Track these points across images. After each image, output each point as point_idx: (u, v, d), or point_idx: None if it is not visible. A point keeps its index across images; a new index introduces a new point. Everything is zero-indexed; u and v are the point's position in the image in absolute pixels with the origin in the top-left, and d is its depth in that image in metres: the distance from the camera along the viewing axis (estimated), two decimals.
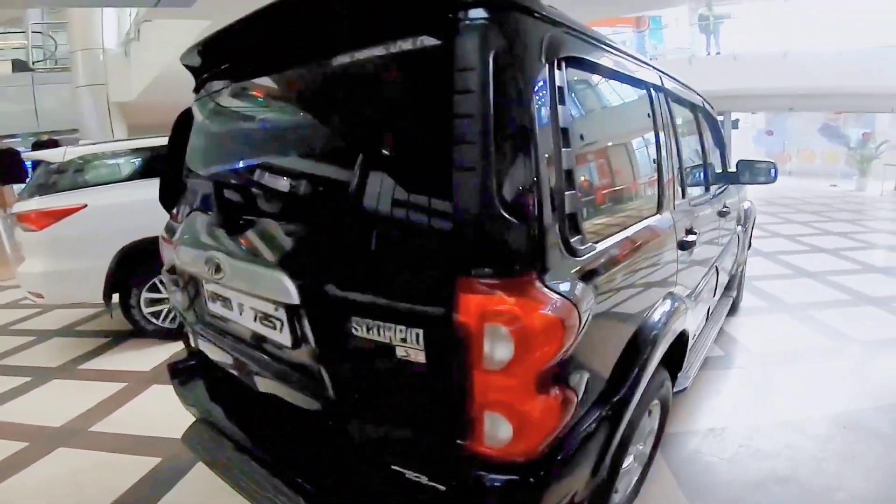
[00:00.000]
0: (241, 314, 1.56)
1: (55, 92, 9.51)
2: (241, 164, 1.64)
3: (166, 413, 2.97)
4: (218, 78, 1.76)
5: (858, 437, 2.47)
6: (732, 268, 3.47)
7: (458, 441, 1.12)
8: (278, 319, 1.40)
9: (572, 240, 1.16)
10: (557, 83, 1.17)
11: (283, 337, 1.40)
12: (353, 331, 1.17)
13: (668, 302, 1.74)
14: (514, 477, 1.12)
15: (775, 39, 13.33)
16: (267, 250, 1.43)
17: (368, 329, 1.15)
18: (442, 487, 1.17)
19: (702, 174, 2.60)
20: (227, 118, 1.82)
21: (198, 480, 2.37)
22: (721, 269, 2.90)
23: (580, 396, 1.20)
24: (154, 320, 4.17)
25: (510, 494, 1.13)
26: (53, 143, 9.06)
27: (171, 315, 4.20)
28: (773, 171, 3.00)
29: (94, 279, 3.92)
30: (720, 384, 3.07)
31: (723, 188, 2.98)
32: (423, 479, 1.19)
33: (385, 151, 1.19)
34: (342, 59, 1.25)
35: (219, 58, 1.71)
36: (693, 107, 2.64)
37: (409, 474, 1.21)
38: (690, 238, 1.96)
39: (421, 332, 1.08)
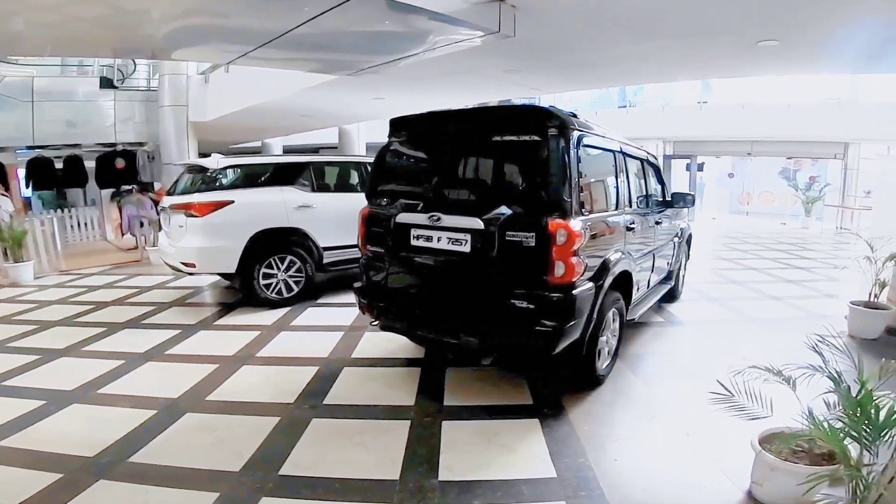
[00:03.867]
0: (437, 241, 3.42)
1: (130, 108, 11.36)
2: (445, 179, 3.57)
3: (302, 346, 4.79)
4: (420, 134, 3.74)
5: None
6: (670, 263, 5.42)
7: (545, 277, 3.04)
8: (464, 240, 3.29)
9: (581, 210, 3.16)
10: (580, 152, 3.18)
11: (465, 248, 3.29)
12: (506, 237, 3.11)
13: (619, 253, 3.69)
14: (565, 291, 3.06)
15: (735, 91, 15.79)
16: (464, 210, 3.31)
17: (514, 235, 3.09)
18: (532, 306, 3.07)
19: (643, 197, 4.56)
20: (430, 155, 3.74)
21: (348, 376, 4.01)
22: (658, 256, 4.84)
23: (585, 266, 3.17)
24: (265, 291, 5.90)
25: (564, 297, 3.04)
26: (126, 152, 10.85)
27: (276, 287, 5.94)
28: (693, 199, 4.99)
29: (232, 256, 5.69)
30: (664, 334, 5.03)
31: (662, 209, 4.93)
32: (524, 304, 3.09)
33: (519, 177, 3.21)
34: (497, 139, 3.26)
35: (423, 124, 3.70)
36: (640, 159, 4.64)
37: (518, 303, 3.10)
38: (631, 226, 3.93)
39: (535, 234, 3.04)
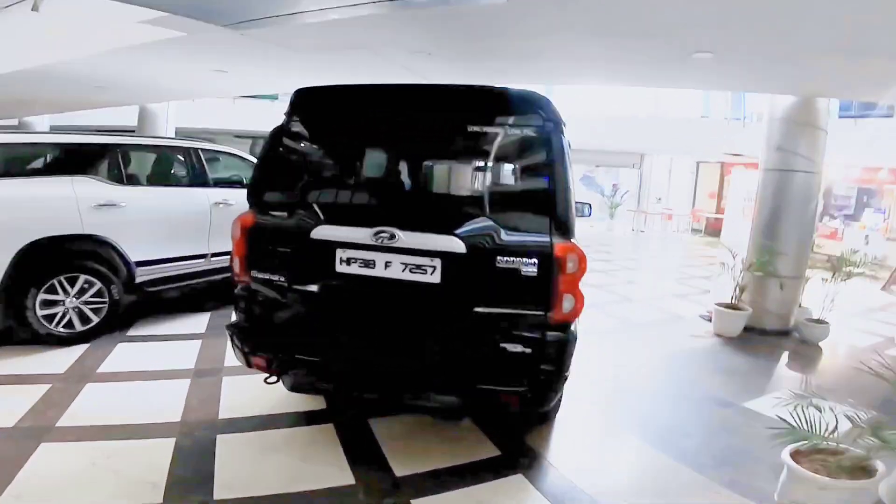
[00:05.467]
0: (385, 269, 2.57)
1: None
2: (394, 180, 2.79)
3: (132, 404, 3.39)
4: (349, 113, 2.84)
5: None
6: None
7: (549, 313, 2.48)
8: (431, 267, 2.52)
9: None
10: (570, 154, 2.68)
11: (433, 278, 2.52)
12: (497, 264, 2.44)
13: None
14: (566, 329, 2.56)
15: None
16: (431, 225, 2.56)
17: (508, 261, 2.44)
18: (529, 349, 2.49)
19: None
20: (366, 144, 2.91)
21: (231, 449, 2.90)
22: None
23: None
24: (47, 324, 4.21)
25: (566, 336, 2.55)
26: None
27: (65, 318, 4.30)
28: (591, 208, 5.00)
29: None
30: None
31: None
32: (519, 348, 2.49)
33: (510, 182, 2.58)
34: (475, 129, 2.62)
35: (355, 100, 2.82)
36: None
37: (511, 347, 2.49)
38: None
39: (536, 260, 2.44)
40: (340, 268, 2.66)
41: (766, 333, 5.78)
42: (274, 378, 2.85)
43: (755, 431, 3.43)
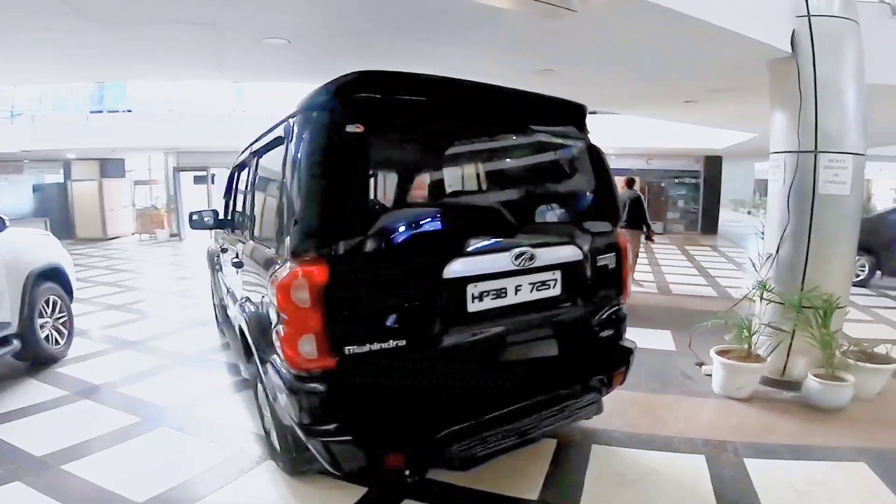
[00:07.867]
0: (515, 294, 2.45)
1: None
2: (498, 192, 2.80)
3: None
4: (427, 112, 2.39)
5: None
6: None
7: (621, 296, 2.89)
8: (553, 280, 2.54)
9: None
10: None
11: (554, 291, 2.56)
12: (597, 262, 2.71)
13: None
14: (625, 309, 2.99)
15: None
16: (549, 235, 2.63)
17: (603, 259, 2.77)
18: (612, 331, 2.87)
19: None
20: (453, 151, 2.66)
21: None
22: None
23: None
24: None
25: (626, 311, 3.00)
26: None
27: None
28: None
29: None
30: None
31: None
32: (609, 333, 2.84)
33: (580, 184, 2.84)
34: (542, 138, 2.80)
35: (436, 94, 2.44)
36: None
37: (605, 334, 2.84)
38: None
39: (615, 253, 2.83)
40: (473, 306, 2.34)
41: None
42: (410, 471, 2.33)
43: (652, 359, 4.55)
